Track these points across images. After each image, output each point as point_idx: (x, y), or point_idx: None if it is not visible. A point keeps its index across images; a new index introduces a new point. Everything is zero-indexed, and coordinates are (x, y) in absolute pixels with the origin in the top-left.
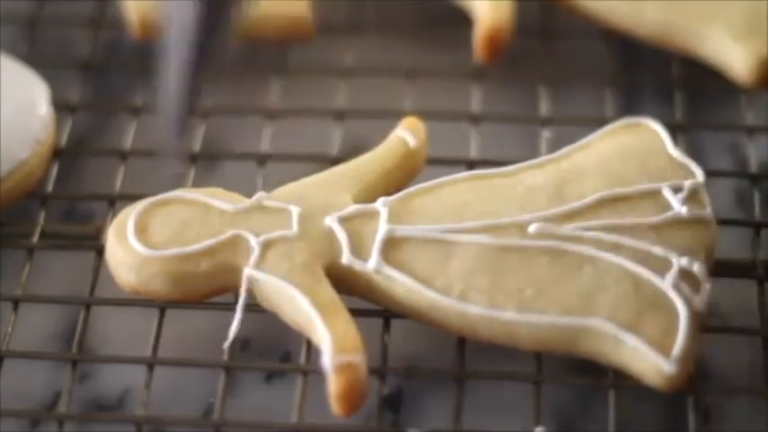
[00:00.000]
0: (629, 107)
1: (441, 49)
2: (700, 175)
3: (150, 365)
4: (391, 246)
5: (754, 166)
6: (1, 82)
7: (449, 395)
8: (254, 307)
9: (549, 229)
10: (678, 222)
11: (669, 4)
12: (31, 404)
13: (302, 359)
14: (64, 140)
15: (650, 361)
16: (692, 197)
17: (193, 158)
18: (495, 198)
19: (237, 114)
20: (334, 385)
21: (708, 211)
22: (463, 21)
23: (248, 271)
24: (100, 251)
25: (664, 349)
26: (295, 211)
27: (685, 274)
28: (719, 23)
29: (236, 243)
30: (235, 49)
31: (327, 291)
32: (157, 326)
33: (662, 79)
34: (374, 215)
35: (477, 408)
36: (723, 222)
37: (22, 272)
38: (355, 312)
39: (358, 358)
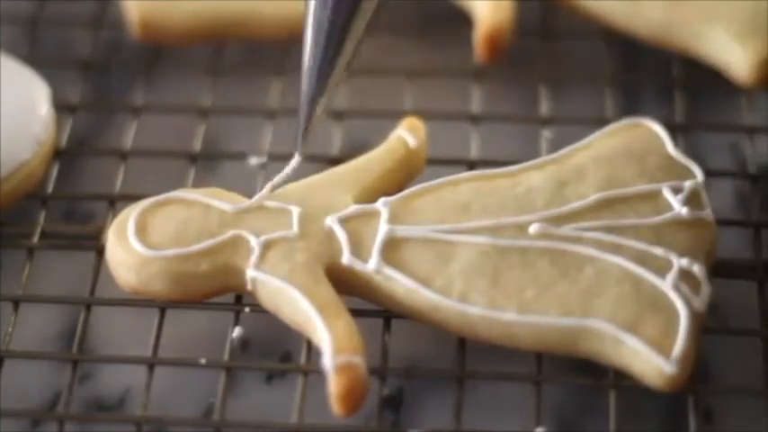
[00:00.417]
0: (629, 107)
1: (441, 49)
2: (700, 175)
3: (150, 365)
4: (392, 246)
5: (753, 167)
6: (1, 82)
7: (449, 395)
8: (254, 307)
9: (549, 230)
10: (678, 223)
11: (669, 4)
12: (31, 404)
13: (302, 359)
14: (64, 140)
15: (650, 361)
16: (691, 198)
17: (193, 158)
18: (496, 198)
19: (237, 114)
20: (334, 385)
21: (708, 211)
22: (463, 21)
23: (249, 272)
24: (100, 251)
25: (664, 350)
26: (295, 211)
27: (685, 275)
28: (720, 24)
29: (236, 243)
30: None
31: (328, 291)
32: (158, 326)
33: (662, 79)
34: (374, 215)
35: (478, 408)
36: (723, 223)
37: (23, 272)
38: (355, 312)
39: (358, 358)
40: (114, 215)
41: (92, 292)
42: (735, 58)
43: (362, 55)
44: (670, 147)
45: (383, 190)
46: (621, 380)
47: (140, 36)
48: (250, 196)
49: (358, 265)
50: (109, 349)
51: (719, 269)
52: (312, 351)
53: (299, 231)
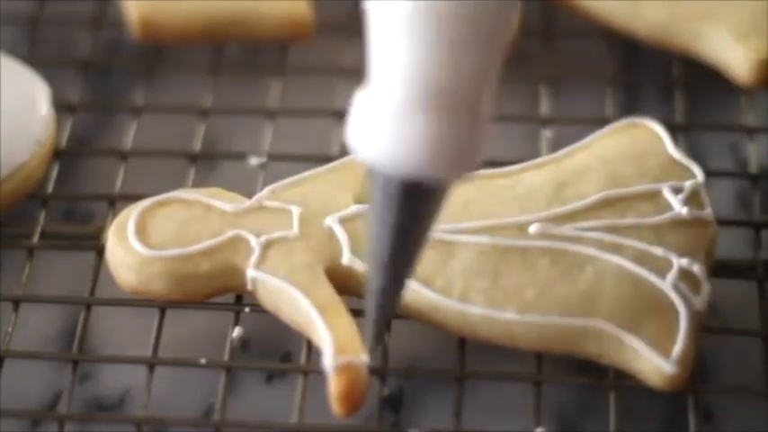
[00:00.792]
0: (630, 107)
1: None
2: (700, 175)
3: (150, 365)
4: None
5: (754, 167)
6: (1, 82)
7: (449, 395)
8: (254, 307)
9: (549, 230)
10: (678, 223)
11: (669, 5)
12: (31, 404)
13: (302, 359)
14: (64, 141)
15: (650, 361)
16: (692, 197)
17: (193, 158)
18: (496, 198)
19: (237, 114)
20: (334, 385)
21: (708, 211)
22: None
23: (249, 272)
24: (100, 251)
25: (664, 350)
26: (296, 211)
27: (685, 275)
28: (720, 23)
29: (236, 243)
30: None
31: (328, 291)
32: (158, 326)
33: (662, 79)
34: None
35: (478, 408)
36: (723, 223)
37: (23, 272)
38: (355, 312)
39: (358, 359)
40: (114, 215)
41: (92, 292)
42: (735, 58)
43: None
44: (670, 147)
45: None
46: (621, 380)
47: (140, 36)
48: (250, 196)
49: (358, 265)
50: (109, 349)
51: (719, 269)
52: (312, 351)
53: (300, 231)
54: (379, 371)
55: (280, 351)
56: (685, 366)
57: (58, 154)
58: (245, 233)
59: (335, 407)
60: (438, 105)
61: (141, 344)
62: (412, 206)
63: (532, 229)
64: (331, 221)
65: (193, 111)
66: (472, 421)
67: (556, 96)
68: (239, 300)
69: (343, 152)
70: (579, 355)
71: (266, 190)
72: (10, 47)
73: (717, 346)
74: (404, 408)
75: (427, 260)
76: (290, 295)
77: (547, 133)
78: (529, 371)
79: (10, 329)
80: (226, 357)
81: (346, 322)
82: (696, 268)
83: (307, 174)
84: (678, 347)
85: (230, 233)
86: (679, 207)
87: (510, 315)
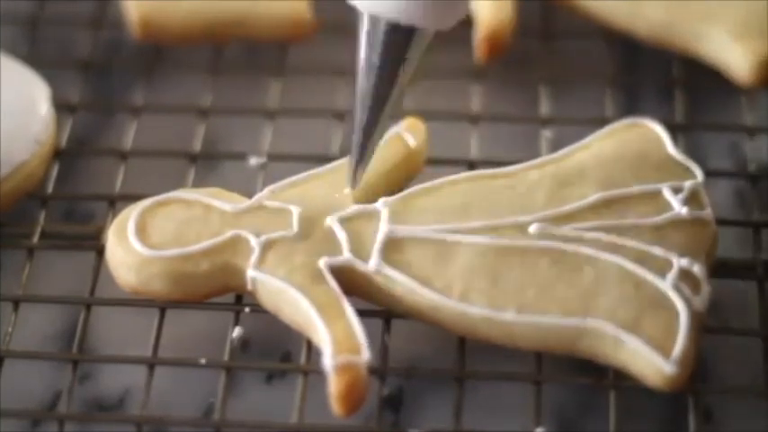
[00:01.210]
0: (630, 107)
1: (441, 48)
2: (699, 175)
3: (150, 365)
4: (392, 246)
5: (753, 167)
6: (1, 82)
7: (449, 395)
8: (254, 307)
9: (549, 230)
10: (678, 223)
11: (669, 4)
12: (31, 404)
13: (302, 359)
14: (64, 140)
15: (650, 361)
16: (691, 197)
17: (193, 158)
18: (496, 198)
19: (237, 114)
20: (334, 385)
21: (708, 211)
22: (463, 21)
23: (249, 271)
24: (100, 251)
25: (664, 350)
26: (295, 211)
27: (685, 275)
28: (720, 23)
29: (236, 243)
30: None
31: (328, 291)
32: (158, 326)
33: (662, 79)
34: (375, 215)
35: (478, 408)
36: (723, 223)
37: (23, 272)
38: (355, 312)
39: (358, 358)
40: (114, 215)
41: (92, 292)
42: (735, 58)
43: None
44: (670, 147)
45: (383, 190)
46: (621, 380)
47: (140, 36)
48: (250, 196)
49: (358, 265)
50: (109, 349)
51: (719, 269)
52: (312, 351)
53: (300, 231)
54: (378, 371)
55: (280, 351)
56: (685, 366)
57: (58, 154)
58: (244, 233)
59: (335, 407)
60: None
61: (141, 344)
62: (394, 48)
63: (532, 229)
64: (331, 221)
65: (193, 111)
66: (472, 421)
67: (556, 96)
68: (239, 300)
69: (343, 152)
70: (579, 355)
71: (266, 190)
72: (10, 47)
73: (717, 346)
74: (404, 408)
75: (427, 260)
76: (290, 295)
77: (547, 133)
78: (529, 371)
79: (10, 329)
80: (226, 357)
81: (346, 322)
82: (696, 268)
83: (306, 174)
84: (678, 347)
85: (230, 233)
86: (679, 207)
87: (510, 315)
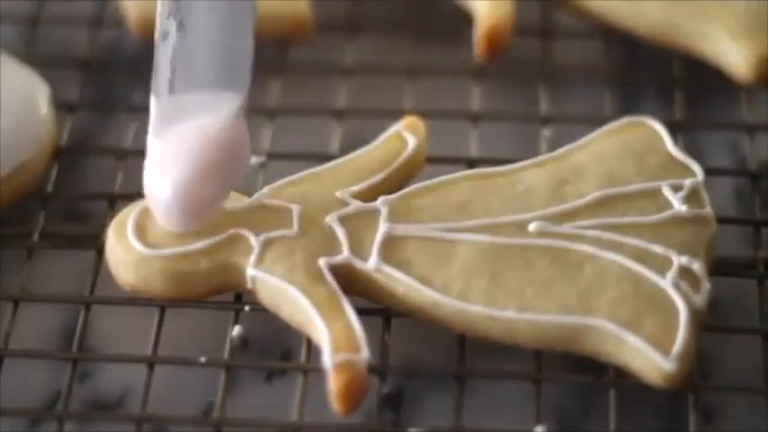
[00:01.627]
0: (629, 106)
1: (441, 48)
2: (699, 173)
3: (150, 364)
4: (391, 245)
5: (753, 165)
6: (1, 82)
7: (449, 394)
8: (254, 305)
9: (548, 228)
10: (678, 221)
11: (669, 3)
12: (31, 403)
13: (302, 358)
14: (64, 140)
15: (650, 359)
16: (691, 196)
17: None
18: (495, 197)
19: None
20: (333, 383)
21: (708, 209)
22: (463, 20)
23: (249, 270)
24: (100, 251)
25: (664, 348)
26: (295, 209)
27: (685, 273)
28: (720, 22)
29: (236, 242)
30: None
31: (327, 289)
32: (157, 325)
33: (662, 78)
34: (374, 214)
35: (478, 406)
36: (723, 221)
37: (22, 271)
38: (355, 311)
39: (358, 356)
40: (114, 214)
41: (91, 291)
42: (735, 57)
43: (362, 54)
44: (670, 145)
45: (383, 189)
46: (621, 378)
47: (140, 35)
48: (250, 195)
49: (358, 264)
50: (108, 348)
51: (719, 267)
52: (312, 349)
53: (299, 230)
54: (378, 369)
55: (279, 349)
56: (685, 364)
57: (57, 153)
58: (244, 232)
59: (335, 405)
60: None
61: (141, 342)
62: None
63: (532, 227)
64: (330, 220)
65: None
66: (472, 420)
67: (555, 95)
68: (239, 298)
69: (343, 151)
70: (579, 354)
71: (266, 188)
72: (10, 47)
73: (717, 344)
74: (404, 406)
75: (427, 258)
76: (290, 294)
77: (546, 132)
78: (529, 369)
79: (10, 329)
80: (225, 356)
81: (345, 320)
82: (696, 266)
83: (306, 172)
84: (678, 345)
85: (230, 231)
86: (679, 205)
87: (510, 313)
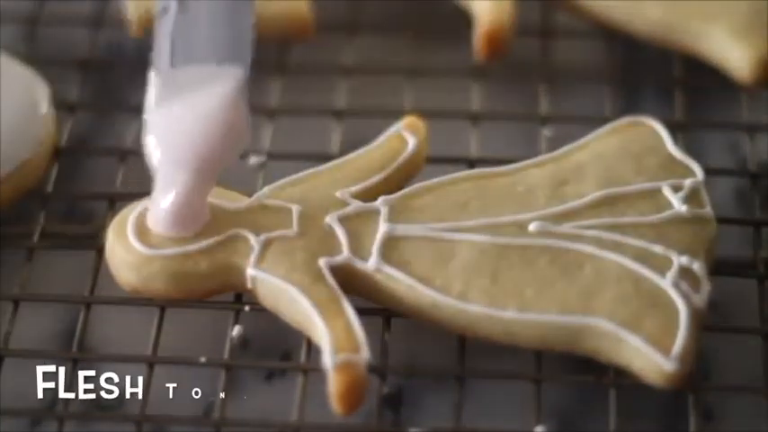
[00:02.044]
0: (630, 106)
1: (441, 48)
2: (699, 173)
3: (150, 364)
4: (391, 244)
5: (753, 165)
6: (1, 82)
7: (449, 394)
8: (254, 305)
9: (548, 228)
10: (678, 221)
11: (669, 4)
12: (31, 403)
13: (302, 358)
14: (64, 140)
15: (650, 359)
16: (691, 196)
17: None
18: (496, 197)
19: None
20: (333, 384)
21: (708, 209)
22: (463, 20)
23: (249, 270)
24: (100, 250)
25: (664, 347)
26: (295, 209)
27: (685, 273)
28: (720, 22)
29: (236, 242)
30: None
31: (327, 289)
32: (157, 325)
33: (662, 78)
34: (374, 214)
35: (478, 406)
36: (723, 221)
37: (23, 272)
38: (355, 311)
39: (358, 357)
40: (114, 214)
41: (92, 291)
42: (735, 57)
43: (362, 54)
44: (670, 145)
45: (383, 189)
46: (622, 378)
47: (140, 35)
48: (250, 195)
49: (358, 264)
50: (109, 348)
51: (719, 267)
52: (312, 349)
53: (299, 230)
54: (378, 369)
55: (279, 350)
56: (685, 364)
57: (58, 153)
58: (244, 232)
59: (335, 405)
60: None
61: (141, 342)
62: None
63: (532, 227)
64: (330, 220)
65: None
66: (472, 420)
67: (555, 95)
68: (239, 298)
69: (343, 151)
70: (579, 354)
71: (266, 188)
72: (10, 47)
73: (717, 344)
74: (404, 406)
75: (427, 258)
76: (290, 294)
77: (546, 132)
78: (529, 369)
79: (10, 329)
80: (226, 356)
81: (345, 320)
82: (696, 266)
83: (306, 172)
84: (678, 345)
85: (230, 232)
86: (679, 205)
87: (510, 313)
